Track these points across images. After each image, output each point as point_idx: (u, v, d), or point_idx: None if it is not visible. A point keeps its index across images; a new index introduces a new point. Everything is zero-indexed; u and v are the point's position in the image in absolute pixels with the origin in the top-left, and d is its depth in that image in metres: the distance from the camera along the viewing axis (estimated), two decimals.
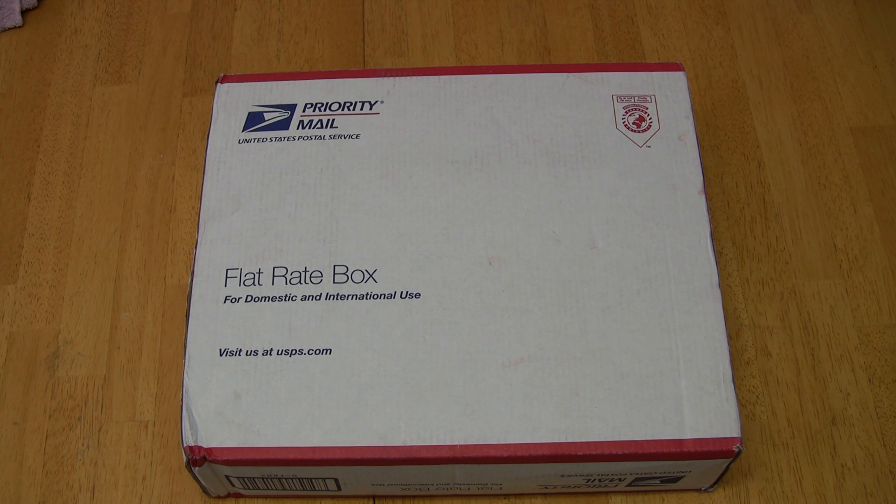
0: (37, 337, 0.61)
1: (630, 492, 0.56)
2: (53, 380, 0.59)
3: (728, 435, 0.49)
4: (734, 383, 0.50)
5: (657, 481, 0.53)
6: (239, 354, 0.51)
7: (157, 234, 0.64)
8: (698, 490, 0.56)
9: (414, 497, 0.56)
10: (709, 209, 0.55)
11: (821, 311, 0.61)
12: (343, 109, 0.58)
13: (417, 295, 0.53)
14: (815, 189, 0.66)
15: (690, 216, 0.55)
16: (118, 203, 0.66)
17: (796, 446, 0.57)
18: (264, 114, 0.58)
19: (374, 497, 0.56)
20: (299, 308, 0.52)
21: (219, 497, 0.56)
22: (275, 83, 0.59)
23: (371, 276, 0.53)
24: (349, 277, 0.53)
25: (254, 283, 0.53)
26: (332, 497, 0.56)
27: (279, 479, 0.52)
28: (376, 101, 0.58)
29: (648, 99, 0.58)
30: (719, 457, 0.50)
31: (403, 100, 0.58)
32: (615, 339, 0.51)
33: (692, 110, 0.58)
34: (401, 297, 0.52)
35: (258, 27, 0.73)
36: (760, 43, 0.72)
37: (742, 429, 0.50)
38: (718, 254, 0.63)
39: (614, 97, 0.58)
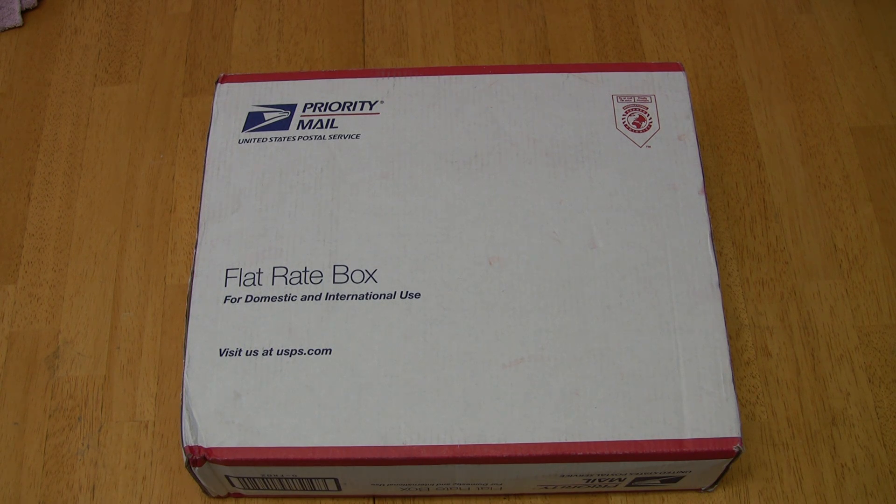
0: (37, 337, 0.61)
1: (630, 492, 0.56)
2: (53, 380, 0.59)
3: (728, 435, 0.49)
4: (734, 383, 0.50)
5: (657, 481, 0.53)
6: (239, 354, 0.51)
7: (157, 234, 0.64)
8: (698, 490, 0.56)
9: (414, 497, 0.56)
10: (709, 209, 0.55)
11: (821, 311, 0.61)
12: (343, 109, 0.58)
13: (417, 295, 0.53)
14: (815, 189, 0.66)
15: (690, 216, 0.55)
16: (118, 203, 0.66)
17: (796, 446, 0.57)
18: (264, 114, 0.58)
19: (374, 497, 0.56)
20: (299, 308, 0.52)
21: (219, 497, 0.56)
22: (275, 83, 0.59)
23: (371, 276, 0.53)
24: (349, 277, 0.53)
25: (254, 283, 0.53)
26: (332, 497, 0.56)
27: (279, 479, 0.52)
28: (376, 101, 0.58)
29: (648, 99, 0.58)
30: (719, 457, 0.50)
31: (403, 100, 0.58)
32: (615, 339, 0.51)
33: (692, 110, 0.58)
34: (401, 297, 0.53)
35: (258, 27, 0.73)
36: (760, 43, 0.72)
37: (742, 429, 0.50)
38: (718, 254, 0.63)
39: (614, 97, 0.58)
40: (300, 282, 0.53)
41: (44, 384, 0.59)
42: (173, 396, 0.59)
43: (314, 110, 0.58)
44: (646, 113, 0.58)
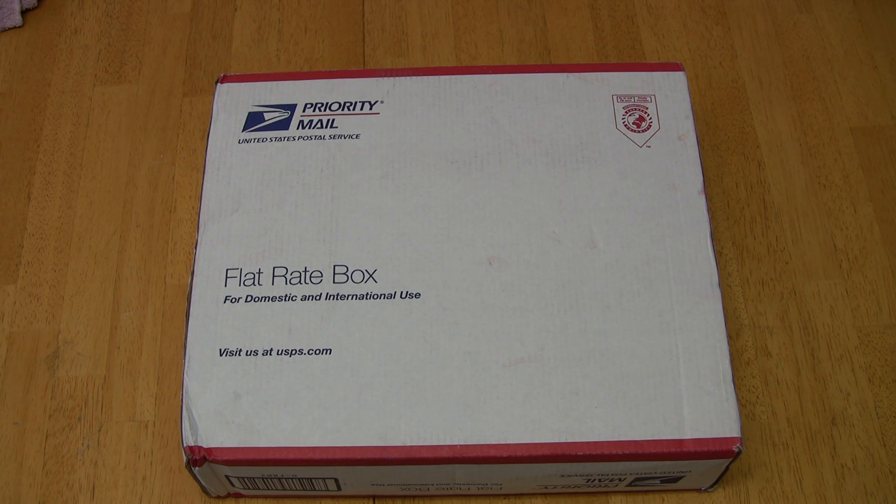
0: (37, 337, 0.61)
1: (630, 492, 0.56)
2: (53, 380, 0.59)
3: (728, 435, 0.49)
4: (734, 383, 0.50)
5: (657, 481, 0.53)
6: (239, 354, 0.51)
7: (157, 234, 0.64)
8: (698, 490, 0.56)
9: (414, 497, 0.56)
10: (709, 209, 0.55)
11: (821, 311, 0.61)
12: (343, 109, 0.58)
13: (417, 295, 0.53)
14: (815, 189, 0.66)
15: (690, 216, 0.55)
16: (118, 203, 0.66)
17: (796, 446, 0.57)
18: (264, 114, 0.58)
19: (374, 497, 0.56)
20: (299, 308, 0.52)
21: (219, 497, 0.56)
22: (275, 83, 0.59)
23: (371, 276, 0.53)
24: (349, 277, 0.53)
25: (254, 283, 0.53)
26: (332, 497, 0.56)
27: (279, 479, 0.52)
28: (376, 101, 0.58)
29: (648, 99, 0.58)
30: (719, 457, 0.50)
31: (403, 100, 0.58)
32: (615, 339, 0.51)
33: (692, 110, 0.58)
34: (401, 297, 0.53)
35: (258, 27, 0.73)
36: (760, 43, 0.72)
37: (742, 429, 0.50)
38: (718, 254, 0.63)
39: (614, 97, 0.58)
40: (300, 282, 0.53)
41: (44, 384, 0.59)
42: (173, 396, 0.59)
43: (314, 110, 0.58)
44: (646, 113, 0.58)
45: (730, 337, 0.59)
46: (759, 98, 0.69)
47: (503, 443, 0.49)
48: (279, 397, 0.50)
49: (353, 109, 0.58)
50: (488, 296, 0.52)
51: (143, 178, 0.67)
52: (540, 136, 0.57)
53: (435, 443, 0.49)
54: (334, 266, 0.53)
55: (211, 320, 0.52)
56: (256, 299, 0.52)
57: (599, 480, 0.53)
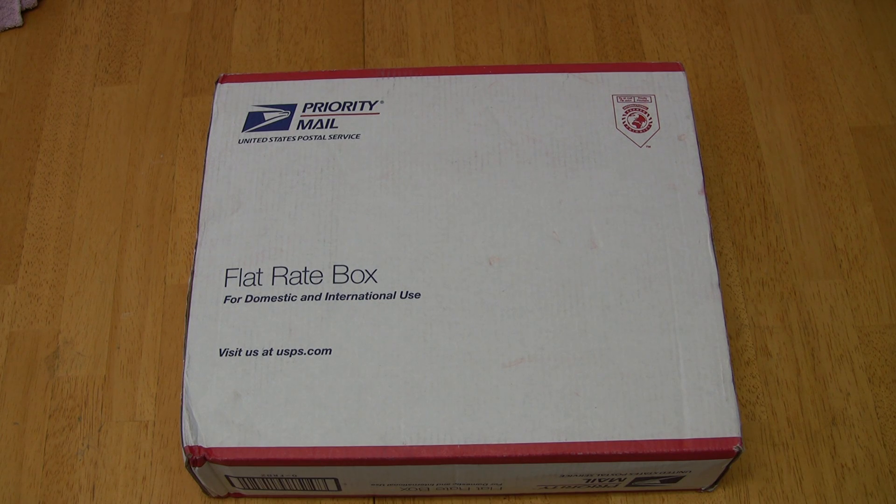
0: (37, 337, 0.61)
1: (630, 492, 0.56)
2: (53, 380, 0.59)
3: (728, 435, 0.49)
4: (734, 383, 0.50)
5: (657, 481, 0.53)
6: (239, 354, 0.51)
7: (157, 234, 0.64)
8: (698, 490, 0.56)
9: (414, 497, 0.56)
10: (709, 209, 0.55)
11: (821, 311, 0.61)
12: (343, 109, 0.58)
13: (417, 295, 0.53)
14: (815, 189, 0.66)
15: (690, 216, 0.55)
16: (118, 203, 0.66)
17: (796, 446, 0.57)
18: (264, 114, 0.58)
19: (374, 497, 0.56)
20: (299, 308, 0.52)
21: (219, 497, 0.56)
22: (275, 83, 0.59)
23: (371, 276, 0.53)
24: (349, 277, 0.53)
25: (254, 283, 0.53)
26: (332, 497, 0.56)
27: (279, 479, 0.52)
28: (376, 101, 0.58)
29: (648, 99, 0.58)
30: (719, 457, 0.50)
31: (403, 100, 0.58)
32: (615, 339, 0.51)
33: (692, 110, 0.58)
34: (401, 297, 0.53)
35: (258, 27, 0.73)
36: (760, 43, 0.72)
37: (742, 429, 0.50)
38: (718, 254, 0.63)
39: (614, 97, 0.58)
40: (300, 282, 0.53)
41: (44, 384, 0.59)
42: (173, 396, 0.59)
43: (314, 110, 0.58)
44: (646, 113, 0.58)
45: (730, 337, 0.59)
46: (759, 98, 0.69)
47: (503, 443, 0.49)
48: (279, 397, 0.50)
49: (353, 109, 0.58)
50: (488, 296, 0.52)
51: (143, 178, 0.67)
52: (540, 136, 0.57)
53: (435, 443, 0.49)
54: (334, 266, 0.53)
55: (211, 320, 0.52)
56: (256, 299, 0.52)
57: (599, 480, 0.53)
